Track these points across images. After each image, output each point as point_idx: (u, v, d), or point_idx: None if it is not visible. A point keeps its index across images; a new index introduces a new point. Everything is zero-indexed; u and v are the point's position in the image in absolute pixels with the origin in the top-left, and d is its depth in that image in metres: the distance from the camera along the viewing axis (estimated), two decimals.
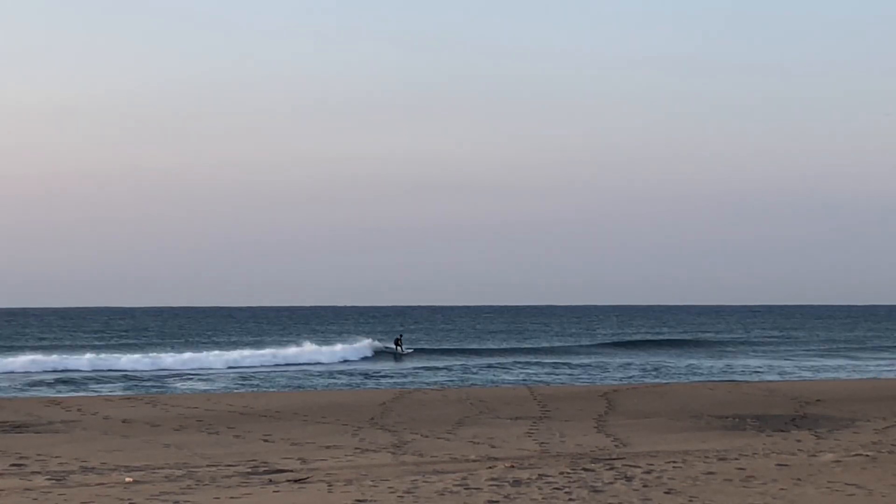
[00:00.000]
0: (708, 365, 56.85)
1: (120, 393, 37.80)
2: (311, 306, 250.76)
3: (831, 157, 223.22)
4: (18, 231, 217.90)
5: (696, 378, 46.72)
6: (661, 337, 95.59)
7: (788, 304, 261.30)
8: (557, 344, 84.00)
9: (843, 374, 50.28)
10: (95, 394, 37.59)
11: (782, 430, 22.38)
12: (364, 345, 67.13)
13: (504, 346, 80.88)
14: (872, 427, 22.80)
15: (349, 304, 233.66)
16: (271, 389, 40.14)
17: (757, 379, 44.71)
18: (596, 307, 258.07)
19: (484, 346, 79.49)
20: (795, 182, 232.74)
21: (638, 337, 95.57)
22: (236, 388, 40.43)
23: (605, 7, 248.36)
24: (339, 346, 65.85)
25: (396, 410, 26.16)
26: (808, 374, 50.22)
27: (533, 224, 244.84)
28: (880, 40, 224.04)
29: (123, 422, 24.23)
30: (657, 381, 44.20)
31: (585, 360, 60.89)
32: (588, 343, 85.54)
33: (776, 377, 47.22)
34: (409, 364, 57.82)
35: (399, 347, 66.97)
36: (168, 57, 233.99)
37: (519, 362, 58.78)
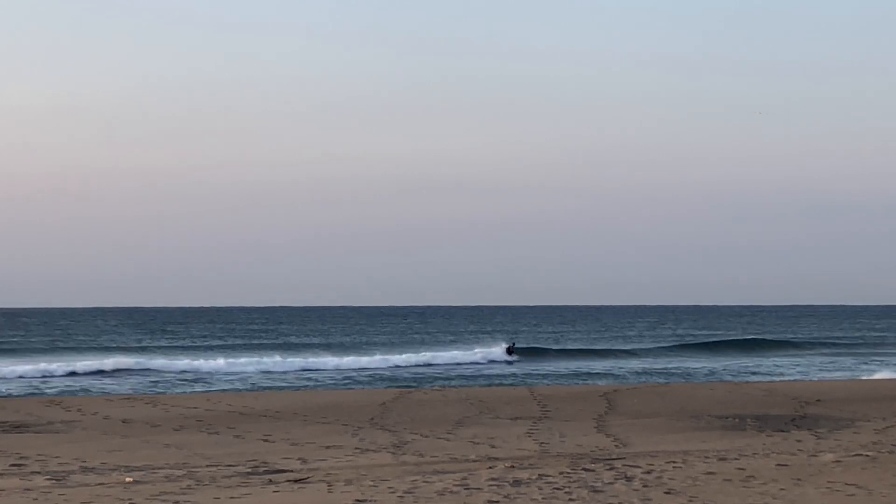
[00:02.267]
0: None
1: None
2: (313, 307, 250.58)
3: (832, 158, 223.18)
4: (18, 231, 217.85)
5: None
6: (736, 337, 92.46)
7: (788, 305, 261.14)
8: (635, 347, 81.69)
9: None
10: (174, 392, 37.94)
11: (782, 430, 22.37)
12: (499, 349, 67.78)
13: (600, 346, 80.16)
14: (872, 427, 22.79)
15: (349, 304, 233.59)
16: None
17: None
18: (597, 307, 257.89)
19: (584, 348, 78.75)
20: (796, 182, 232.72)
21: (703, 339, 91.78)
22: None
23: (605, 7, 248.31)
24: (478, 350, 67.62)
25: (396, 410, 26.15)
26: None
27: (533, 224, 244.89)
28: (880, 40, 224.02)
29: (123, 422, 24.21)
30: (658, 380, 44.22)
31: (696, 365, 60.08)
32: (666, 345, 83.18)
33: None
34: (545, 365, 58.55)
35: (511, 355, 66.46)
36: (168, 56, 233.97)
37: (636, 369, 57.67)
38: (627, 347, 79.96)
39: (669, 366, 59.52)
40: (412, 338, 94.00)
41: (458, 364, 59.98)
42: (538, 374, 52.13)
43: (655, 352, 75.40)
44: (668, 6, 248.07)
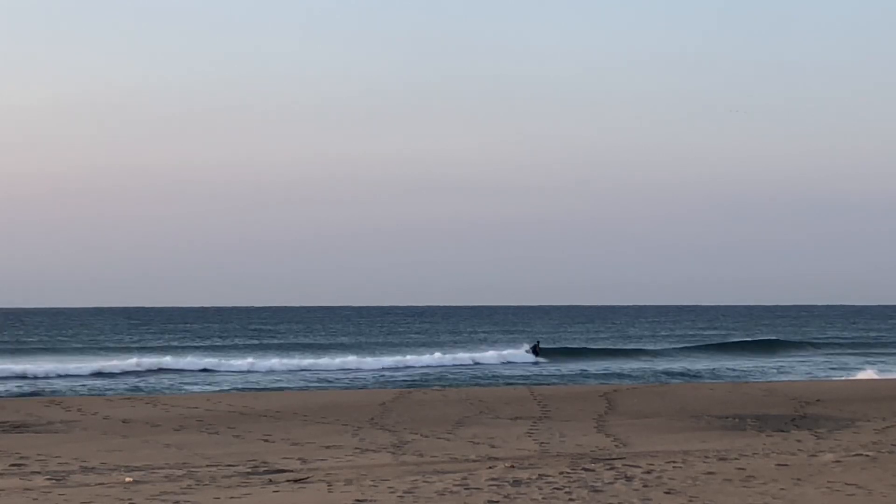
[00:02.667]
0: None
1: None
2: (312, 307, 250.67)
3: (832, 158, 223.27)
4: (17, 231, 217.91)
5: None
6: (762, 338, 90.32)
7: (788, 305, 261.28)
8: (656, 347, 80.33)
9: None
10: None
11: (782, 430, 22.37)
12: (521, 350, 67.30)
13: (626, 347, 79.17)
14: (872, 427, 22.80)
15: (349, 304, 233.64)
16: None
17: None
18: (596, 307, 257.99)
19: (609, 347, 77.95)
20: (796, 182, 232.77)
21: (721, 339, 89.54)
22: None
23: (605, 7, 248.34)
24: (506, 350, 66.90)
25: (396, 410, 26.16)
26: None
27: (533, 224, 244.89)
28: (880, 40, 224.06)
29: (123, 422, 24.22)
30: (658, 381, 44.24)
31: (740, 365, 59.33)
32: (688, 346, 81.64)
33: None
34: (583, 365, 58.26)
35: (536, 354, 65.60)
36: (167, 56, 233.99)
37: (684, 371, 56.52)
38: (649, 347, 79.01)
39: (698, 366, 58.52)
40: (423, 339, 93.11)
41: (482, 364, 59.42)
42: (571, 375, 51.36)
43: (677, 352, 74.58)
44: (668, 6, 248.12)
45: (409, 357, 62.11)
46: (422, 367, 57.33)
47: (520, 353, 65.07)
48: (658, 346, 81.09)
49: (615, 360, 64.46)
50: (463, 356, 63.12)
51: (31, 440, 21.30)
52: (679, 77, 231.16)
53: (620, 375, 51.87)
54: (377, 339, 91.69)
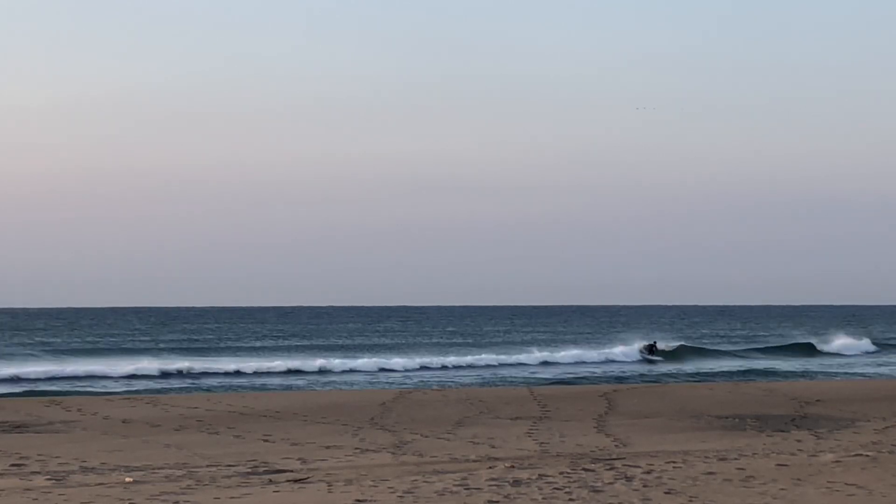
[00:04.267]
0: None
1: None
2: (313, 307, 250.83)
3: (831, 157, 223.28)
4: (16, 231, 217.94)
5: None
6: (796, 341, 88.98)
7: (787, 305, 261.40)
8: (746, 347, 78.19)
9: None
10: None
11: (782, 430, 22.38)
12: (633, 348, 66.38)
13: (733, 347, 77.51)
14: (872, 427, 22.81)
15: (348, 304, 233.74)
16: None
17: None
18: (596, 307, 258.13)
19: (718, 348, 76.61)
20: (796, 182, 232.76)
21: (783, 341, 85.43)
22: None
23: (605, 7, 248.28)
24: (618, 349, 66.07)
25: (396, 410, 26.17)
26: None
27: (533, 224, 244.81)
28: (880, 40, 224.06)
29: (123, 422, 24.23)
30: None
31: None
32: (761, 346, 78.96)
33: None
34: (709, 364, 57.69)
35: (653, 354, 64.61)
36: (167, 56, 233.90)
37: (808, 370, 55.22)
38: (741, 348, 76.60)
39: (806, 366, 57.52)
40: (510, 338, 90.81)
41: (605, 362, 58.35)
42: (700, 374, 50.43)
43: (760, 353, 73.38)
44: (667, 6, 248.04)
45: (536, 353, 61.10)
46: (566, 364, 56.79)
47: (631, 352, 64.08)
48: (746, 347, 79.09)
49: (730, 360, 63.20)
50: (592, 353, 62.54)
51: (31, 440, 21.30)
52: (679, 77, 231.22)
53: (756, 372, 50.84)
54: (464, 340, 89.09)
